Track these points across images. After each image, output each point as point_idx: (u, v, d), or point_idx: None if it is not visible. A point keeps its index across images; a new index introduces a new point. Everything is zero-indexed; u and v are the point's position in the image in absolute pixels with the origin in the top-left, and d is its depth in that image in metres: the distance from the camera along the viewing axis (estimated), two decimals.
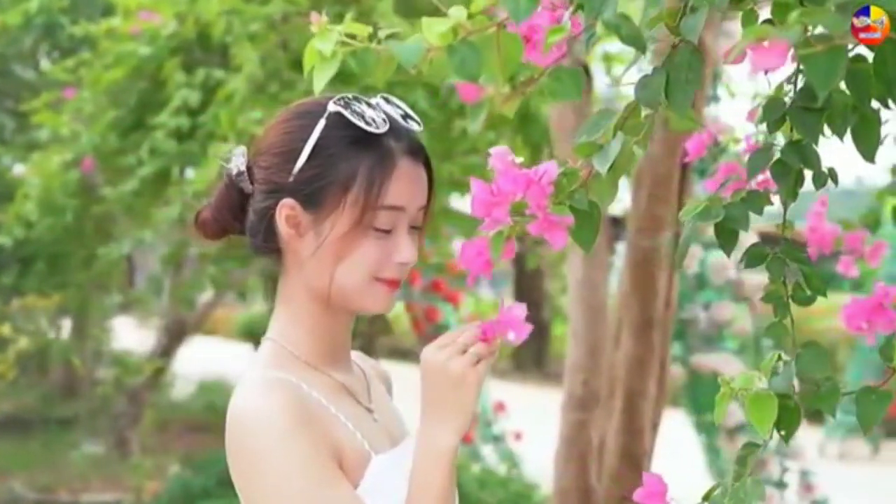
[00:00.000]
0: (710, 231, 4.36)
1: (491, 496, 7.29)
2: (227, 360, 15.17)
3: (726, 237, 1.46)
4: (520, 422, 8.83)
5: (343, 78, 5.40)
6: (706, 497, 1.49)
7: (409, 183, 1.59)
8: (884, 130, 2.87)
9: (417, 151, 1.61)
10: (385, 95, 1.63)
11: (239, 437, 1.52)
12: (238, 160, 1.64)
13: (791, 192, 1.45)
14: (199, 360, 12.69)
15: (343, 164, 1.56)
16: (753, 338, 6.73)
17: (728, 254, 1.48)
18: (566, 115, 4.05)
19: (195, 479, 7.38)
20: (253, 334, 18.58)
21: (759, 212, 1.44)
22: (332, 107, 1.56)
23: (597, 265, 4.20)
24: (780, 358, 1.48)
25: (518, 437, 8.74)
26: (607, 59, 6.88)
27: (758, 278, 6.54)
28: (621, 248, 5.02)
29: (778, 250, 1.47)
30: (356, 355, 1.82)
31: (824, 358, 1.45)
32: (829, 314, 14.10)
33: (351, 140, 1.56)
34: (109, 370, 10.11)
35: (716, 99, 6.03)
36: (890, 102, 1.46)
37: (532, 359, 17.52)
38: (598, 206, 1.49)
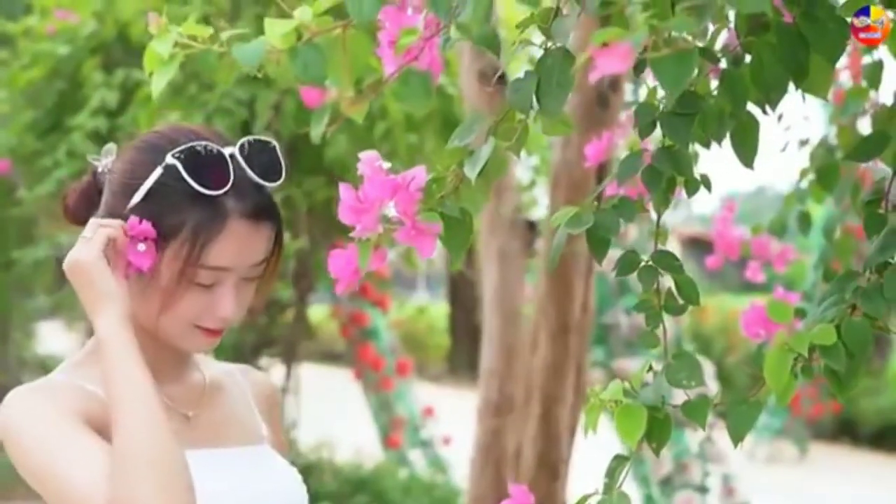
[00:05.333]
0: (630, 236, 4.30)
1: (415, 502, 7.23)
2: None
3: (597, 245, 1.43)
4: (454, 426, 8.80)
5: (264, 79, 5.28)
6: None
7: (239, 244, 1.55)
8: (786, 137, 2.85)
9: (261, 213, 1.57)
10: (259, 140, 1.58)
11: (4, 437, 1.49)
12: (106, 159, 1.62)
13: (663, 199, 1.41)
14: None
15: (172, 216, 1.53)
16: (675, 342, 6.75)
17: (599, 261, 1.45)
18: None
19: None
20: None
21: (630, 219, 1.41)
22: (169, 159, 1.53)
23: (512, 270, 4.17)
24: (650, 368, 1.45)
25: (447, 441, 8.69)
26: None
27: None
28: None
29: (649, 258, 1.44)
30: (238, 368, 1.83)
31: (696, 367, 1.42)
32: None
33: (184, 193, 1.53)
34: (35, 376, 9.90)
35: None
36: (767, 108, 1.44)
37: (466, 362, 17.46)
38: (469, 213, 1.45)
